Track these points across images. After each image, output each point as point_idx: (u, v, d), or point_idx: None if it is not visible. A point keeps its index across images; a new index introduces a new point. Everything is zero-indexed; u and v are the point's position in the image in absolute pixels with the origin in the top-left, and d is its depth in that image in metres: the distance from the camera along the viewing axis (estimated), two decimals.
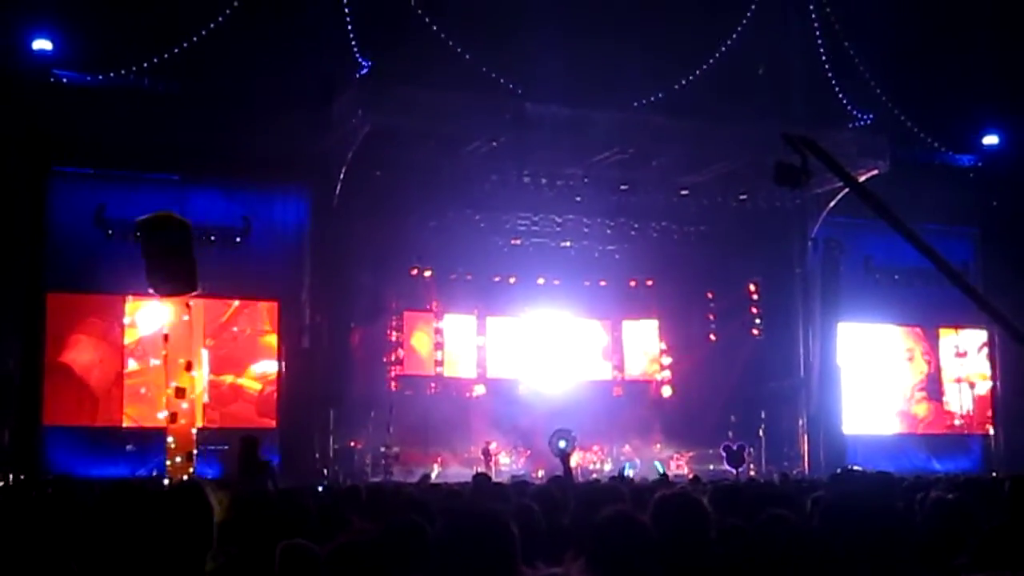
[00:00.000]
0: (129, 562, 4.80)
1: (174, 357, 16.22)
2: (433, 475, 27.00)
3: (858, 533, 5.12)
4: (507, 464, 30.26)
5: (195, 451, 14.67)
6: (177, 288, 16.41)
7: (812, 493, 8.41)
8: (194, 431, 13.55)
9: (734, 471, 26.32)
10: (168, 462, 14.23)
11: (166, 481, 17.16)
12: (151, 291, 18.12)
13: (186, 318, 13.80)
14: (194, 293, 18.04)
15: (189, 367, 13.88)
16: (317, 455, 28.17)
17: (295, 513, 7.01)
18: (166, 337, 13.22)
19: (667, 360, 35.77)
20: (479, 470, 23.24)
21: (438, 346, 33.62)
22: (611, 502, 6.34)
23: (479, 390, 33.68)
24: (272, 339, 29.71)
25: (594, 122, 28.49)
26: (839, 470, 12.31)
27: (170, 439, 14.57)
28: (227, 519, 6.16)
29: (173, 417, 13.69)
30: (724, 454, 27.89)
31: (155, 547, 4.88)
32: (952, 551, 4.60)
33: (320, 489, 21.73)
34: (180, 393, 13.58)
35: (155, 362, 28.46)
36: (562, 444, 21.25)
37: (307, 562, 5.17)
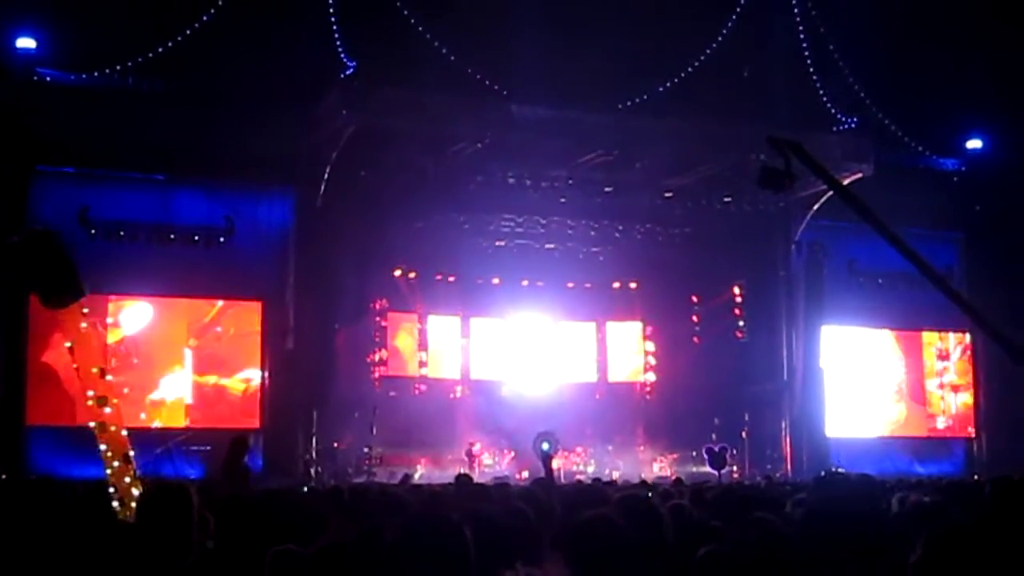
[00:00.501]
0: (112, 559, 4.79)
1: (88, 364, 16.08)
2: (416, 476, 26.99)
3: (839, 535, 5.13)
4: (490, 465, 30.26)
5: (131, 452, 14.56)
6: (67, 298, 16.27)
7: (794, 495, 8.43)
8: (124, 432, 13.45)
9: (716, 473, 26.32)
10: (108, 470, 14.09)
11: (111, 490, 17.07)
12: (45, 307, 17.93)
13: (84, 325, 13.64)
14: (83, 298, 17.92)
15: (103, 373, 13.76)
16: (300, 456, 28.12)
17: (275, 514, 7.00)
18: (70, 350, 13.08)
19: (651, 362, 35.79)
20: (462, 471, 23.23)
21: (422, 347, 33.59)
22: (593, 504, 6.35)
23: (463, 392, 33.67)
24: (256, 340, 29.65)
25: (579, 124, 28.53)
26: (823, 472, 12.30)
27: (103, 448, 14.44)
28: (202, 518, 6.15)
29: (102, 427, 13.59)
30: (706, 456, 27.89)
31: (138, 546, 4.88)
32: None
33: (305, 490, 21.76)
34: (102, 401, 13.48)
35: (138, 364, 28.46)
36: (545, 446, 21.18)
37: (295, 566, 5.15)
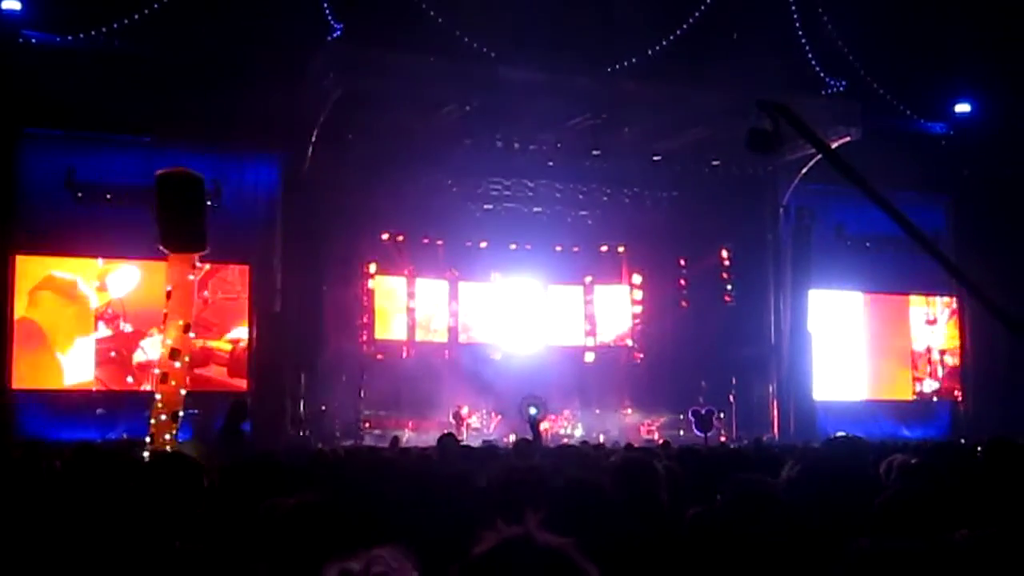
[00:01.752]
0: (113, 528, 4.79)
1: (177, 314, 16.00)
2: (404, 439, 27.04)
3: (829, 496, 5.15)
4: (478, 429, 30.30)
5: (181, 412, 14.48)
6: (189, 246, 16.28)
7: (787, 459, 8.45)
8: (183, 392, 13.47)
9: (703, 436, 26.41)
10: (152, 420, 14.05)
11: (147, 440, 17.14)
12: (160, 248, 17.98)
13: (191, 278, 13.62)
14: (203, 252, 17.93)
15: (187, 329, 13.74)
16: (288, 418, 28.12)
17: (269, 475, 7.01)
18: (169, 294, 13.06)
19: (638, 326, 35.83)
20: (447, 432, 23.25)
21: (410, 311, 33.59)
22: (578, 465, 6.38)
23: (450, 355, 33.70)
24: (243, 303, 29.63)
25: (567, 87, 28.43)
26: (834, 435, 12.38)
27: (159, 397, 14.41)
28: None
29: (164, 377, 13.58)
30: (693, 419, 27.97)
31: (143, 514, 4.88)
32: (921, 514, 4.62)
33: (289, 452, 21.75)
34: (175, 354, 13.49)
35: (126, 327, 28.44)
36: (532, 411, 21.28)
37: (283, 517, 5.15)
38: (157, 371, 12.32)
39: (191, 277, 13.77)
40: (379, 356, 32.11)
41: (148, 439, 12.30)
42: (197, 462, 5.67)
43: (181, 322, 13.54)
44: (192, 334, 12.38)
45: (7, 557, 4.99)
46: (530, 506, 2.95)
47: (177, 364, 13.63)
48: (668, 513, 5.88)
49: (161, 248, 18.17)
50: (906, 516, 4.42)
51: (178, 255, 16.49)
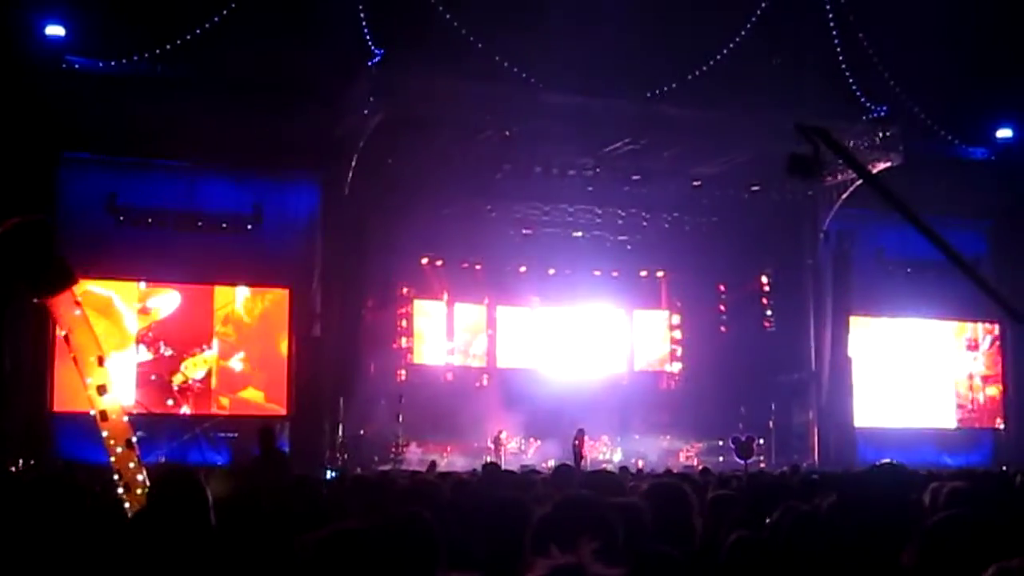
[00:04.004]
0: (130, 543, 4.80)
1: (86, 352, 16.00)
2: (442, 464, 27.05)
3: (871, 524, 5.10)
4: (516, 453, 30.26)
5: (134, 438, 14.55)
6: (60, 284, 16.19)
7: (823, 486, 8.38)
8: (126, 419, 13.45)
9: (743, 463, 26.26)
10: (112, 458, 14.07)
11: (115, 476, 17.03)
12: (35, 301, 17.85)
13: (78, 313, 13.56)
14: (75, 283, 17.81)
15: (100, 362, 13.71)
16: (327, 443, 28.15)
17: (307, 501, 7.02)
18: (66, 338, 13.02)
19: (678, 351, 35.75)
20: (489, 459, 23.23)
21: (449, 335, 33.61)
22: (615, 492, 6.35)
23: (489, 379, 33.69)
24: (283, 327, 29.70)
25: (606, 112, 28.43)
26: (878, 463, 12.29)
27: (105, 434, 14.41)
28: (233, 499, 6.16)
29: (103, 415, 13.57)
30: (733, 446, 27.82)
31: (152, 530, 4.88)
32: (970, 542, 4.57)
33: (329, 477, 21.80)
34: (102, 390, 13.48)
35: (167, 350, 28.55)
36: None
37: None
38: (93, 412, 12.28)
39: (77, 312, 13.65)
40: (417, 380, 32.12)
41: (116, 476, 12.27)
42: (191, 474, 5.68)
43: (93, 357, 13.45)
44: (106, 364, 12.31)
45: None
46: (581, 535, 2.95)
47: (107, 397, 13.54)
48: (703, 539, 5.85)
49: (36, 302, 18.09)
50: (955, 542, 4.37)
51: (56, 298, 16.39)
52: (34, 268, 17.29)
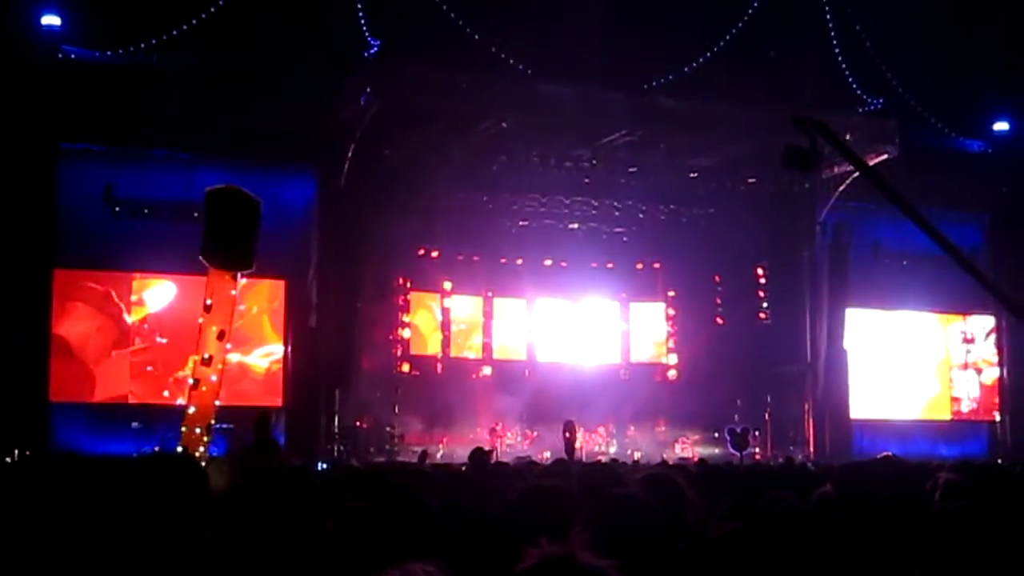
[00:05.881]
0: (125, 532, 4.79)
1: (213, 324, 16.02)
2: (438, 455, 27.06)
3: (864, 517, 5.11)
4: (512, 444, 30.28)
5: (213, 423, 14.43)
6: (231, 263, 16.31)
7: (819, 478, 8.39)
8: (217, 403, 13.44)
9: (738, 454, 26.31)
10: (184, 429, 14.00)
11: (179, 450, 17.10)
12: (202, 259, 18.06)
13: (234, 292, 13.65)
14: (248, 270, 17.96)
15: (222, 336, 13.73)
16: (323, 434, 28.15)
17: (300, 489, 7.01)
18: (208, 306, 13.09)
19: (673, 343, 35.76)
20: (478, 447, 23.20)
21: (445, 327, 33.61)
22: (616, 482, 6.36)
23: (485, 371, 33.70)
24: (279, 318, 29.70)
25: (603, 104, 28.43)
26: (880, 455, 12.29)
27: (192, 408, 14.34)
28: (231, 490, 6.15)
29: (196, 384, 13.57)
30: (728, 437, 27.87)
31: (149, 516, 4.88)
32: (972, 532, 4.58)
33: (322, 467, 21.82)
34: (207, 361, 13.50)
35: (161, 340, 28.54)
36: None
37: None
38: (191, 380, 12.28)
39: (233, 292, 13.75)
40: (414, 372, 32.11)
41: (180, 449, 12.25)
42: (190, 457, 5.70)
43: (215, 328, 13.50)
44: (229, 344, 12.35)
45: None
46: (559, 524, 2.95)
47: (212, 373, 13.58)
48: (693, 530, 5.86)
49: (202, 259, 18.23)
50: (958, 533, 4.38)
51: (226, 272, 16.44)
52: (234, 237, 17.45)
